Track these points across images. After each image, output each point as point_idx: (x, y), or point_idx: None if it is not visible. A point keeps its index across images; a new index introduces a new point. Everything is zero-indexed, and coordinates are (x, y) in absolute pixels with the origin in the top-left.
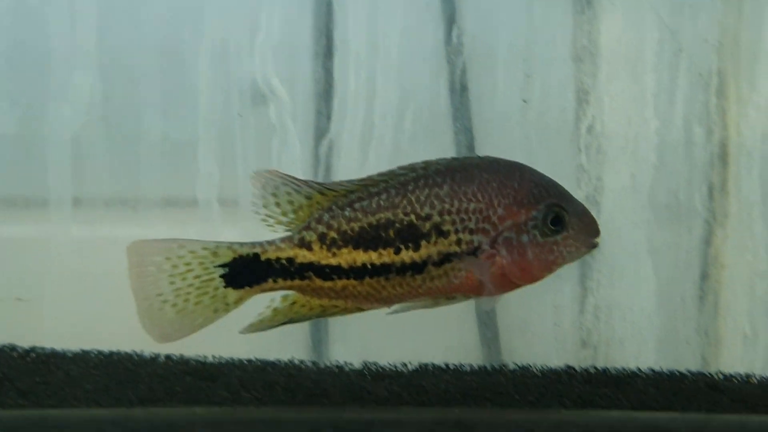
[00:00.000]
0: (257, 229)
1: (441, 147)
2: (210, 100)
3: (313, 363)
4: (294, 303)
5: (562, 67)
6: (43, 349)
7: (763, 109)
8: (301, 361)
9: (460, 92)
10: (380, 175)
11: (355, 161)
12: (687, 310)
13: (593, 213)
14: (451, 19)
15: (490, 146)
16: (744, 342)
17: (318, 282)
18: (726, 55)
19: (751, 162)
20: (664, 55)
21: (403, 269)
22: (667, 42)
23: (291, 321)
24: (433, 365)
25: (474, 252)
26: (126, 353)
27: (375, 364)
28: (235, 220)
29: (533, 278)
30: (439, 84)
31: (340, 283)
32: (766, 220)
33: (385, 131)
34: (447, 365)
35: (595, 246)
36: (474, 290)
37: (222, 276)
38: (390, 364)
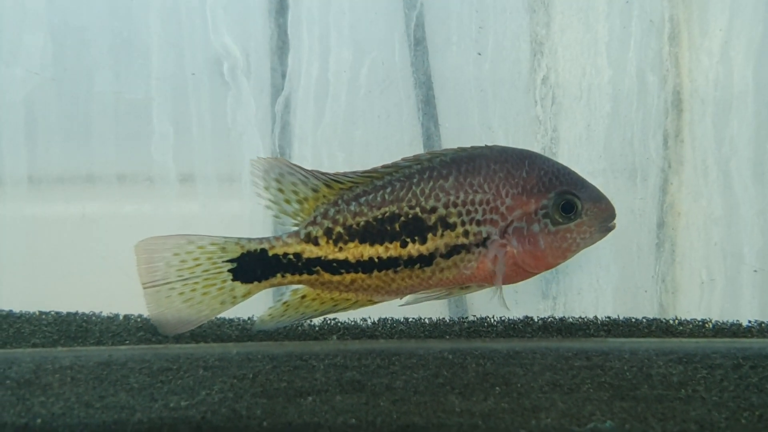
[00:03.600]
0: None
1: (397, 101)
2: (162, 60)
3: None
4: (304, 297)
5: (516, 17)
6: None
7: (716, 55)
8: (249, 318)
9: (414, 46)
10: (385, 167)
11: (311, 118)
12: (644, 258)
13: None
14: None
15: (446, 100)
16: (701, 288)
17: (326, 276)
18: (677, 2)
19: (705, 109)
20: (615, 3)
21: (411, 262)
22: None
23: (303, 317)
24: (393, 319)
25: (483, 243)
26: (83, 313)
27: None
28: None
29: (548, 266)
30: (393, 38)
31: (348, 277)
32: (720, 167)
33: (341, 87)
34: (406, 319)
35: (611, 229)
36: (486, 279)
37: (230, 270)
38: (350, 319)
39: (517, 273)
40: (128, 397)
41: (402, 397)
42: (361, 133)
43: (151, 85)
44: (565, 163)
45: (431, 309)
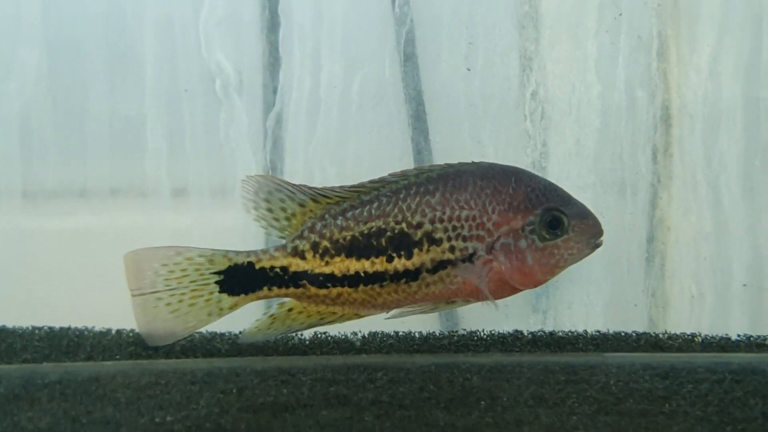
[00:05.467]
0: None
1: (388, 116)
2: (156, 75)
3: None
4: (291, 309)
5: (505, 34)
6: None
7: (704, 70)
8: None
9: (405, 61)
10: (372, 182)
11: (303, 133)
12: (633, 272)
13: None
14: None
15: (436, 115)
16: (691, 303)
17: (313, 290)
18: (666, 18)
19: (694, 124)
20: (604, 19)
21: (397, 277)
22: (607, 6)
23: (290, 330)
24: (383, 332)
25: (470, 258)
26: (76, 328)
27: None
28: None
29: (536, 282)
30: (384, 54)
31: (334, 291)
32: (709, 182)
33: (332, 102)
34: (396, 332)
35: (598, 245)
36: (472, 295)
37: (217, 282)
38: (341, 333)
39: (505, 289)
40: (115, 411)
41: (386, 411)
42: (352, 147)
43: (145, 100)
44: (554, 178)
45: (422, 323)
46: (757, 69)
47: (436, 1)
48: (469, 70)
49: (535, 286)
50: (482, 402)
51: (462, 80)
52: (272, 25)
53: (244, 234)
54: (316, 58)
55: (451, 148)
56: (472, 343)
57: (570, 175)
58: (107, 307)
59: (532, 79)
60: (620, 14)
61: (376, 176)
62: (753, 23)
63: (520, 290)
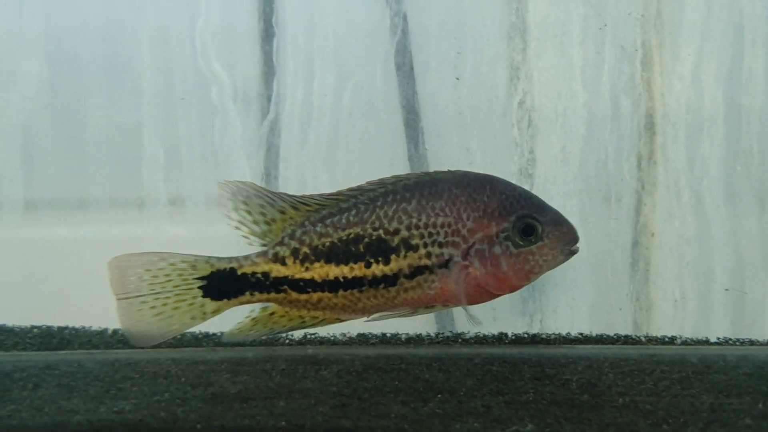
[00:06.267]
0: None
1: (378, 124)
2: (153, 85)
3: None
4: (273, 313)
5: (493, 43)
6: None
7: (687, 79)
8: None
9: (395, 70)
10: (351, 190)
11: (296, 140)
12: (618, 277)
13: (526, 185)
14: (384, 0)
15: (425, 123)
16: (674, 306)
17: (294, 295)
18: (649, 28)
19: (677, 131)
20: (589, 29)
21: (376, 282)
22: (592, 17)
23: (271, 332)
24: (371, 333)
25: (446, 264)
26: (73, 327)
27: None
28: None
29: (512, 287)
30: (375, 63)
31: (315, 296)
32: (692, 188)
33: (324, 111)
34: (384, 334)
35: (573, 252)
36: (450, 299)
37: (200, 287)
38: (330, 333)
39: (481, 294)
40: (80, 401)
41: (344, 403)
42: (343, 154)
43: (143, 109)
44: (541, 185)
45: (419, 325)
46: (738, 77)
47: (425, 12)
48: (457, 79)
49: (512, 291)
50: (439, 395)
51: (451, 89)
52: (267, 35)
53: (239, 242)
54: (309, 67)
55: (439, 156)
56: (457, 344)
57: (556, 181)
58: (107, 312)
59: (519, 88)
60: (605, 25)
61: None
62: (734, 32)
63: (498, 295)
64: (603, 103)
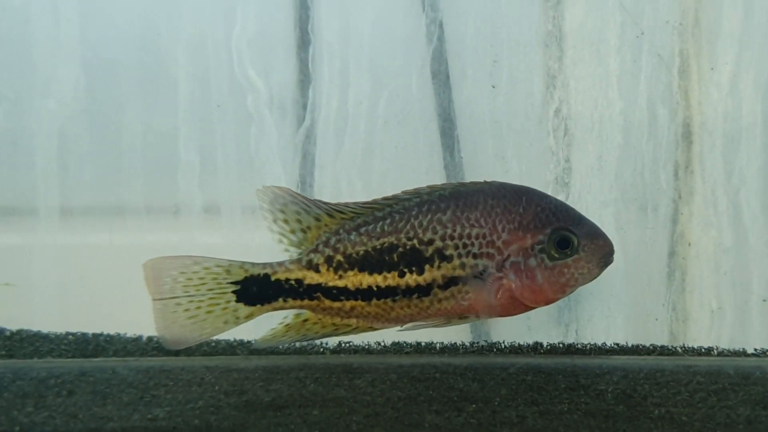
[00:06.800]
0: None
1: (414, 132)
2: (190, 92)
3: None
4: (306, 320)
5: (529, 52)
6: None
7: (725, 88)
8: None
9: (431, 78)
10: (386, 199)
11: (331, 148)
12: (654, 286)
13: (562, 194)
14: (420, 8)
15: (461, 131)
16: (711, 317)
17: (327, 302)
18: (687, 36)
19: (714, 140)
20: (626, 37)
21: (409, 292)
22: (629, 25)
23: (304, 338)
24: (405, 342)
25: (480, 275)
26: (108, 334)
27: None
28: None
29: (547, 300)
30: (410, 71)
31: (348, 304)
32: (730, 198)
33: (359, 118)
34: (418, 343)
35: (609, 263)
36: (484, 311)
37: (234, 292)
38: (364, 342)
39: (516, 306)
40: (114, 408)
41: (378, 412)
42: (379, 162)
43: (179, 116)
44: (577, 193)
45: (454, 334)
46: None
47: (461, 20)
48: (493, 87)
49: (547, 304)
50: (473, 405)
51: (486, 97)
52: (302, 43)
53: (275, 252)
54: (345, 75)
55: (475, 164)
56: (492, 354)
57: (592, 190)
58: (142, 319)
59: (555, 96)
60: (642, 33)
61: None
62: None
63: (533, 308)
64: (640, 112)
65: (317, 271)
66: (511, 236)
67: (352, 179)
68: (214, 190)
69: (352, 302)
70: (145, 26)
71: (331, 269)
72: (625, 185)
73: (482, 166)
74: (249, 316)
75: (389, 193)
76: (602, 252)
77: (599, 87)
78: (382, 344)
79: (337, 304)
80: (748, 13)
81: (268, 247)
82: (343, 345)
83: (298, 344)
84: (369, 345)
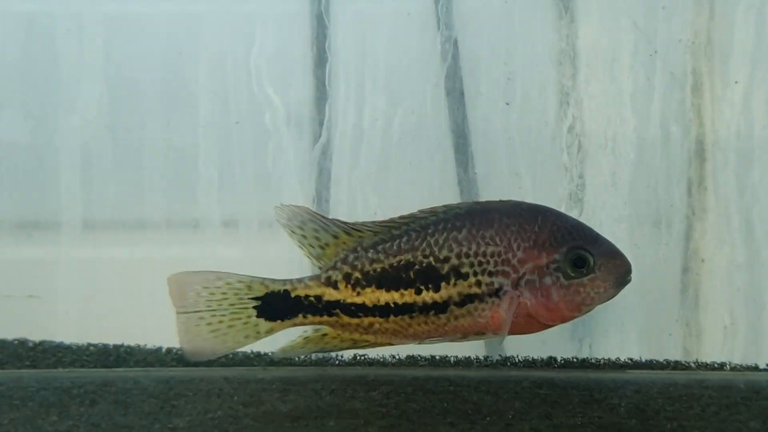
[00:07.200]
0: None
1: (429, 149)
2: (209, 109)
3: None
4: (325, 335)
5: (543, 69)
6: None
7: (737, 106)
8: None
9: (446, 95)
10: (403, 218)
11: (347, 164)
12: (668, 302)
13: (576, 210)
14: (435, 26)
15: (475, 148)
16: (724, 333)
17: (345, 319)
18: (699, 55)
19: (727, 158)
20: (639, 56)
21: (426, 309)
22: (642, 44)
23: (323, 350)
24: (420, 356)
25: (496, 293)
26: (128, 345)
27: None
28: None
29: (563, 318)
30: (425, 88)
31: (366, 321)
32: (742, 214)
33: (375, 135)
34: (432, 357)
35: (626, 283)
36: (501, 329)
37: (255, 308)
38: (378, 355)
39: (531, 324)
40: (135, 418)
41: (393, 424)
42: (394, 178)
43: (198, 133)
44: (590, 210)
45: (468, 347)
46: None
47: (476, 38)
48: (507, 104)
49: (563, 322)
50: (488, 417)
51: (500, 114)
52: (320, 61)
53: (290, 264)
54: (361, 92)
55: (489, 181)
56: (506, 367)
57: (606, 207)
58: (162, 331)
59: (569, 114)
60: (655, 51)
61: (416, 207)
62: None
63: (550, 326)
64: (653, 129)
65: (336, 287)
66: (526, 254)
67: (367, 195)
68: (233, 204)
69: (370, 318)
70: (167, 46)
71: (349, 286)
72: (639, 202)
73: (496, 183)
74: (269, 332)
75: (403, 209)
76: (619, 272)
77: (613, 104)
78: (397, 357)
79: (355, 321)
80: (760, 32)
81: (284, 259)
82: (358, 357)
83: (314, 356)
84: (384, 358)
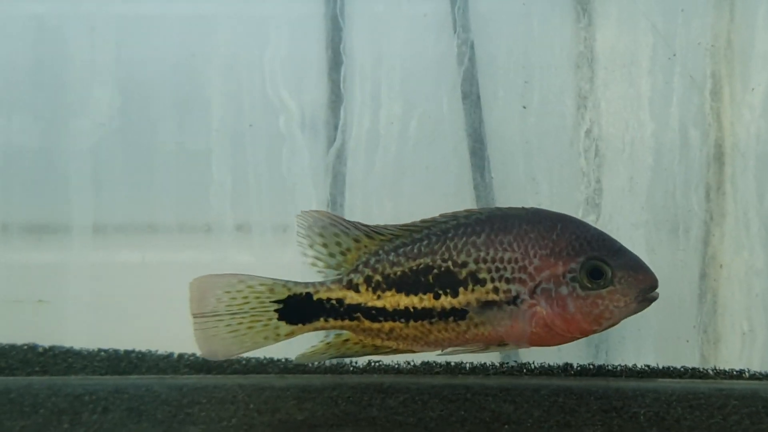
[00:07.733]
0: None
1: (445, 153)
2: (222, 112)
3: None
4: (347, 340)
5: (560, 73)
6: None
7: (757, 109)
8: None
9: (462, 99)
10: (424, 221)
11: (362, 168)
12: (685, 308)
13: (593, 215)
14: (451, 29)
15: (492, 152)
16: (742, 339)
17: (367, 323)
18: (719, 58)
19: (746, 162)
20: (658, 59)
21: (445, 314)
22: (660, 47)
23: (343, 356)
24: (435, 362)
25: (514, 301)
26: (139, 351)
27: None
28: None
29: (582, 331)
30: (441, 92)
31: (387, 325)
32: (761, 219)
33: (390, 139)
34: (448, 363)
35: (652, 300)
36: (521, 339)
37: (276, 310)
38: (394, 362)
39: (552, 336)
40: (149, 425)
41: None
42: (409, 183)
43: (211, 136)
44: (608, 215)
45: (484, 354)
46: None
47: (493, 41)
48: (524, 108)
49: (583, 335)
50: (506, 426)
51: (517, 118)
52: (335, 64)
53: (305, 271)
54: (376, 96)
55: (505, 185)
56: (522, 374)
57: (623, 212)
58: (173, 337)
59: (586, 118)
60: (674, 55)
61: (432, 212)
62: None
63: (569, 338)
64: (671, 134)
65: (357, 291)
66: (542, 262)
67: (383, 199)
68: (246, 209)
69: (391, 323)
70: (179, 48)
71: (370, 289)
72: (657, 207)
73: (512, 187)
74: (290, 334)
75: (419, 214)
76: (641, 286)
77: (631, 108)
78: (412, 364)
79: (376, 325)
80: None
81: (297, 265)
82: (373, 364)
83: (328, 362)
84: (399, 365)
